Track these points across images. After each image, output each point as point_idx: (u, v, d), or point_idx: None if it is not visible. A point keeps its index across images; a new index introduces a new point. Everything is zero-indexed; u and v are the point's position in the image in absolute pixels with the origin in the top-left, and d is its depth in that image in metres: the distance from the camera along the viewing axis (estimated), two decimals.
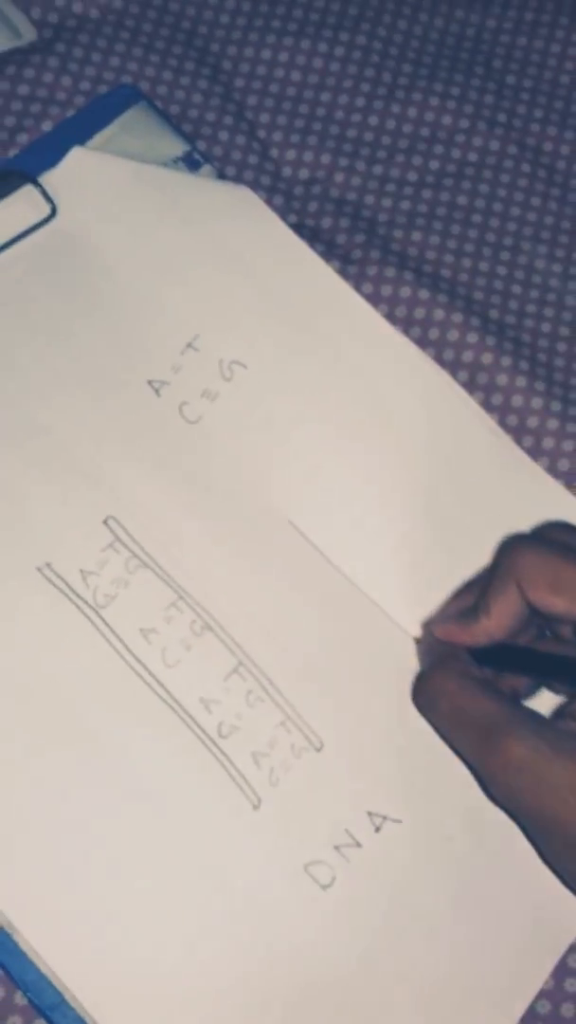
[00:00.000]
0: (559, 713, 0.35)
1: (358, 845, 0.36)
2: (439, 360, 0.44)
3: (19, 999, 0.34)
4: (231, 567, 0.38)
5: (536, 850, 0.34)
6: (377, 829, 0.36)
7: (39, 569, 0.37)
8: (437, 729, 0.35)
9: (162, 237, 0.42)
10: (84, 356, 0.40)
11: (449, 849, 0.36)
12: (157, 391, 0.40)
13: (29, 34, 0.45)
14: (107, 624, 0.37)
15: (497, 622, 0.34)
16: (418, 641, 0.38)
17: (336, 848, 0.35)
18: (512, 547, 0.35)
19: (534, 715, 0.33)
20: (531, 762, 0.31)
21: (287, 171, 0.46)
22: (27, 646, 0.36)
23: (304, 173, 0.46)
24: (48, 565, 0.37)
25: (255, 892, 0.35)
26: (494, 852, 0.36)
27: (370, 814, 0.36)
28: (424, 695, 0.35)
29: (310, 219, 0.45)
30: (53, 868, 0.34)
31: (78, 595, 0.37)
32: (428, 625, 0.38)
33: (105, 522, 0.38)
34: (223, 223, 0.42)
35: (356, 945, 0.35)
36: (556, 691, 0.37)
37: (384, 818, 0.36)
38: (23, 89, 0.45)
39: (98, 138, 0.43)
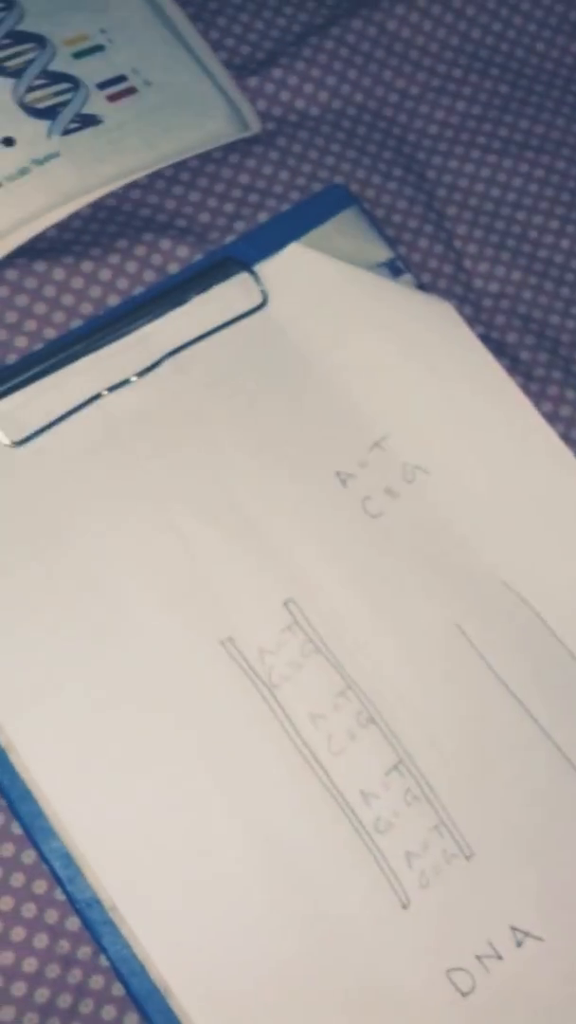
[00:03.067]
0: None
1: (499, 958, 0.37)
2: None
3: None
4: (398, 663, 0.40)
5: None
6: (519, 944, 0.37)
7: (222, 643, 0.39)
8: None
9: (364, 339, 0.44)
10: (280, 440, 0.42)
11: None
12: (344, 483, 0.42)
13: (255, 125, 0.48)
14: (279, 704, 0.38)
15: None
16: None
17: (478, 958, 0.36)
18: None
19: None
20: None
21: (478, 283, 0.48)
22: (203, 715, 0.38)
23: (494, 287, 0.48)
24: (231, 640, 0.39)
25: (396, 990, 0.36)
26: None
27: (513, 928, 0.37)
28: None
29: (496, 332, 0.47)
30: (211, 939, 0.35)
31: (255, 672, 0.39)
32: None
33: (286, 604, 0.40)
34: (423, 334, 0.44)
35: None
36: None
37: (526, 934, 0.37)
38: (244, 178, 0.47)
39: (312, 235, 0.45)
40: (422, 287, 0.46)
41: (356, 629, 0.40)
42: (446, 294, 0.47)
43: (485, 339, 0.46)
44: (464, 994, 0.36)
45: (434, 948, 0.36)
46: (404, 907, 0.37)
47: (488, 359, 0.44)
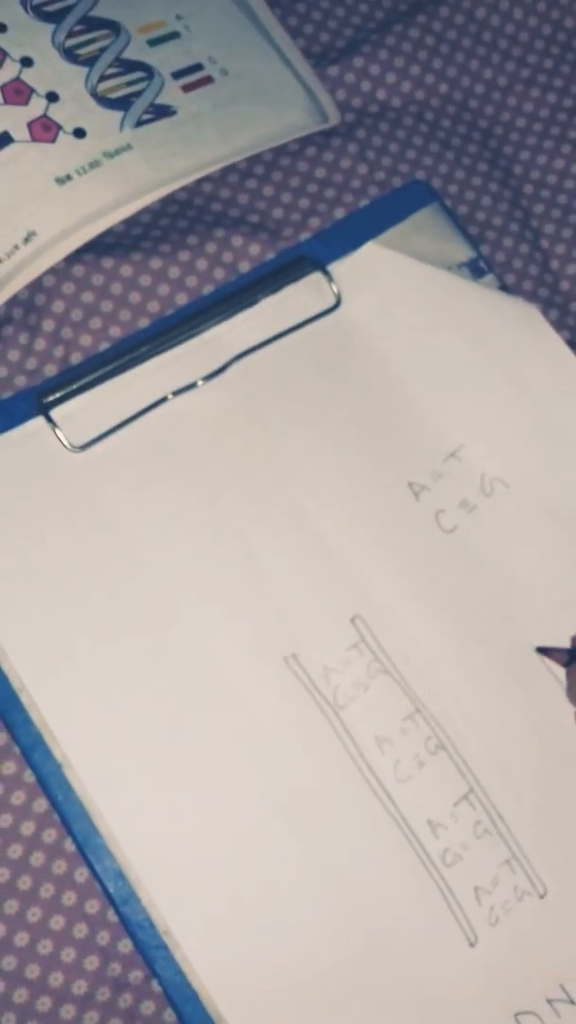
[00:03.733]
0: None
1: (571, 1003, 0.35)
2: None
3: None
4: (471, 687, 0.38)
5: None
6: None
7: (285, 659, 0.37)
8: None
9: (442, 344, 0.42)
10: (350, 448, 0.40)
11: None
12: (416, 495, 0.40)
13: (334, 117, 0.46)
14: (344, 726, 0.37)
15: None
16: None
17: (549, 1002, 0.35)
18: None
19: None
20: None
21: (565, 285, 0.46)
22: (264, 735, 0.36)
23: None
24: (294, 656, 0.37)
25: None
26: None
27: None
28: None
29: None
30: (267, 967, 0.34)
31: (319, 691, 0.37)
32: None
33: (352, 621, 0.38)
34: (506, 339, 0.42)
35: None
36: None
37: None
38: (320, 172, 0.45)
39: (390, 233, 0.43)
40: (506, 288, 0.44)
41: (426, 650, 0.38)
42: (531, 296, 0.45)
43: (573, 345, 0.44)
44: None
45: (502, 989, 0.35)
46: (471, 945, 0.35)
47: None
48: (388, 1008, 0.34)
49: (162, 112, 0.42)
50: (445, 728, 0.37)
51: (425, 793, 0.36)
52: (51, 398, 0.39)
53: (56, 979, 0.34)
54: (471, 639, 0.38)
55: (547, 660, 0.38)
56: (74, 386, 0.39)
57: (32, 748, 0.35)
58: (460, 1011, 0.34)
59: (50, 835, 0.35)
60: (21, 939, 0.34)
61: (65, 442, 0.38)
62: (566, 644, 0.39)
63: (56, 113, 0.40)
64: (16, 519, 0.37)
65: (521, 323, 0.42)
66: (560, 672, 0.38)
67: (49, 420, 0.38)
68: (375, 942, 0.34)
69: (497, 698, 0.38)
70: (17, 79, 0.40)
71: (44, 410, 0.39)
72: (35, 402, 0.39)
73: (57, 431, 0.38)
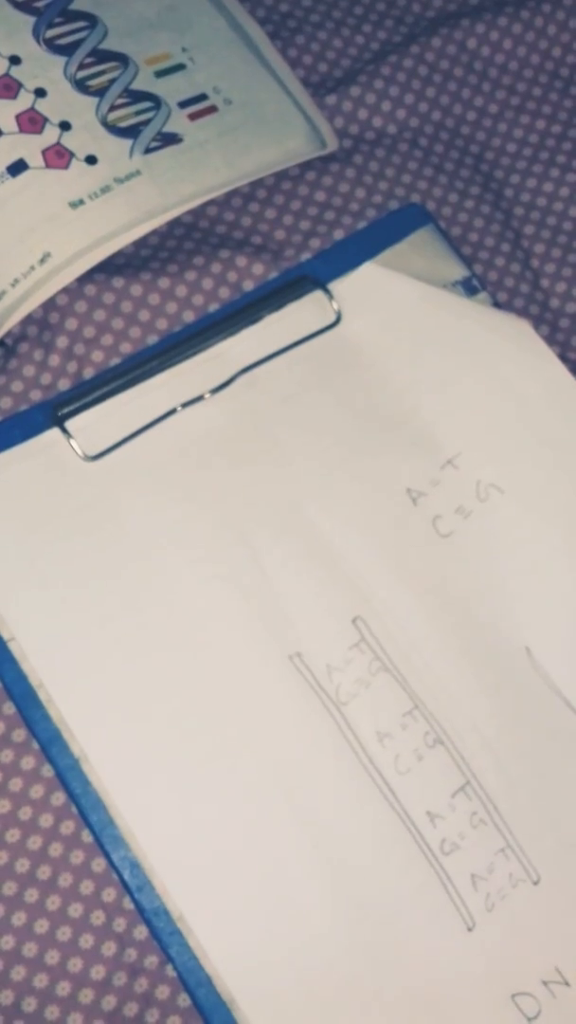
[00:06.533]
0: None
1: (566, 984, 0.36)
2: None
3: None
4: (465, 684, 0.40)
5: None
6: None
7: (291, 657, 0.39)
8: None
9: (438, 357, 0.44)
10: (351, 457, 0.42)
11: None
12: (415, 500, 0.42)
13: (332, 143, 0.48)
14: (346, 721, 0.38)
15: None
16: None
17: (544, 983, 0.36)
18: None
19: None
20: None
21: (555, 303, 0.48)
22: (271, 730, 0.38)
23: (572, 307, 0.48)
24: (299, 655, 0.39)
25: (461, 1013, 0.35)
26: None
27: None
28: None
29: (572, 352, 0.47)
30: (277, 953, 0.36)
31: (323, 688, 0.39)
32: None
33: (354, 621, 0.40)
34: (500, 352, 0.44)
35: None
36: None
37: None
38: (320, 196, 0.47)
39: (387, 253, 0.45)
40: (498, 305, 0.46)
41: (424, 649, 0.40)
42: (522, 313, 0.47)
43: (562, 359, 0.46)
44: (530, 1019, 0.36)
45: (499, 972, 0.36)
46: (469, 930, 0.36)
47: (567, 378, 0.44)
48: (392, 989, 0.35)
49: (169, 140, 0.44)
50: (442, 723, 0.39)
51: (424, 785, 0.38)
52: (66, 410, 0.41)
53: (75, 965, 0.36)
54: (467, 638, 0.40)
55: (537, 658, 0.40)
56: (87, 399, 0.41)
57: (50, 743, 0.37)
58: (460, 992, 0.36)
59: (67, 827, 0.37)
60: (41, 926, 0.36)
61: (79, 452, 0.40)
62: (557, 644, 0.40)
63: (69, 141, 0.43)
64: (33, 524, 0.39)
65: (513, 337, 0.44)
66: (549, 670, 0.40)
67: (64, 431, 0.40)
68: (379, 927, 0.36)
69: (491, 695, 0.40)
70: (32, 109, 0.43)
71: (59, 422, 0.41)
72: (50, 414, 0.41)
73: (72, 441, 0.40)
